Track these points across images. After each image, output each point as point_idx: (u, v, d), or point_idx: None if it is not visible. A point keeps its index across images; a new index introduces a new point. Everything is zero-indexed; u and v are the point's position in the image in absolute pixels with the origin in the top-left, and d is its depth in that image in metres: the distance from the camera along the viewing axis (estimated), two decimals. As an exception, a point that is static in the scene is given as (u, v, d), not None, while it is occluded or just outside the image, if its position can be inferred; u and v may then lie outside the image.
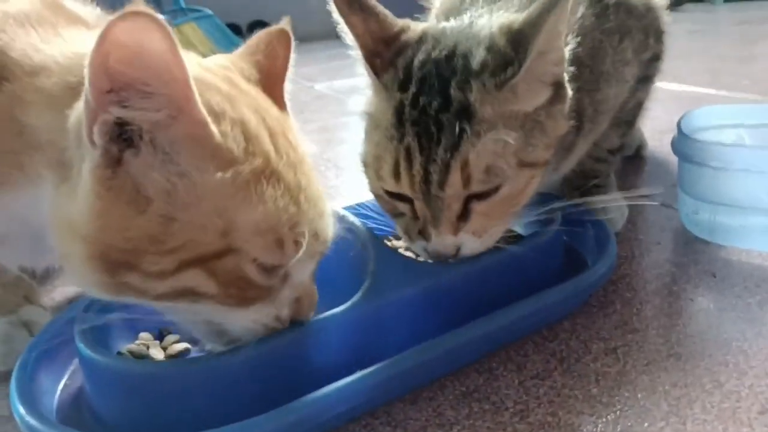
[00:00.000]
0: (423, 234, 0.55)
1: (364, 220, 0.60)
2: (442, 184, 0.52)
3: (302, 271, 0.47)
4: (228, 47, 2.77)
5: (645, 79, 0.76)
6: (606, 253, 0.62)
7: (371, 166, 0.57)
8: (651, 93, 0.87)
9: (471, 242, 0.55)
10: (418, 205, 0.55)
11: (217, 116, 0.42)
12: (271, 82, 0.51)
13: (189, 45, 2.50)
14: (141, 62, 0.37)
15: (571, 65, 0.65)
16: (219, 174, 0.41)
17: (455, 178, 0.52)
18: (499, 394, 0.52)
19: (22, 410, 0.46)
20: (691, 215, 0.73)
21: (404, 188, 0.54)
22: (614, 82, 0.70)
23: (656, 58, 0.77)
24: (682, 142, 0.73)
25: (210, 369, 0.47)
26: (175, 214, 0.41)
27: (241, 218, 0.42)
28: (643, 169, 0.97)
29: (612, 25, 0.69)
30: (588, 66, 0.67)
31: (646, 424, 0.47)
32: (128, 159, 0.40)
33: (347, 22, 0.57)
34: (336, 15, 0.58)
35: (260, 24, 1.95)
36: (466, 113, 0.52)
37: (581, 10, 0.67)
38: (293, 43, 0.53)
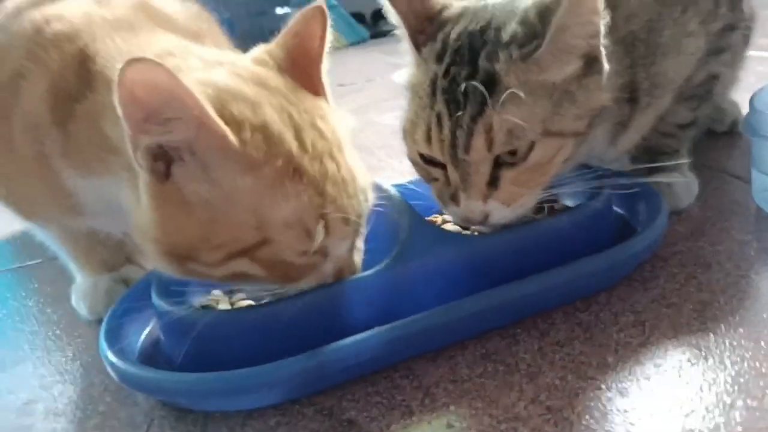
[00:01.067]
0: (454, 199, 0.59)
1: (410, 197, 0.65)
2: (467, 148, 0.56)
3: (339, 247, 0.53)
4: (353, 36, 2.89)
5: (717, 51, 0.73)
6: (650, 227, 0.62)
7: (408, 131, 0.61)
8: (736, 64, 0.83)
9: (500, 210, 0.58)
10: (449, 169, 0.58)
11: (239, 125, 0.48)
12: (306, 66, 0.56)
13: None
14: (154, 96, 0.44)
15: (622, 41, 0.65)
16: (244, 178, 0.48)
17: (479, 141, 0.55)
18: (515, 357, 0.54)
19: (106, 350, 0.57)
20: (763, 193, 0.70)
21: (435, 152, 0.58)
22: (674, 54, 0.69)
23: (730, 28, 0.73)
24: (753, 116, 0.70)
25: (251, 318, 0.55)
26: (215, 216, 0.48)
27: (270, 214, 0.48)
28: (736, 146, 0.92)
29: (674, -3, 0.68)
30: (643, 40, 0.67)
31: (649, 393, 0.48)
32: (173, 173, 0.48)
33: (392, 4, 0.62)
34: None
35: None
36: (492, 81, 0.55)
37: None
38: (330, 20, 0.57)
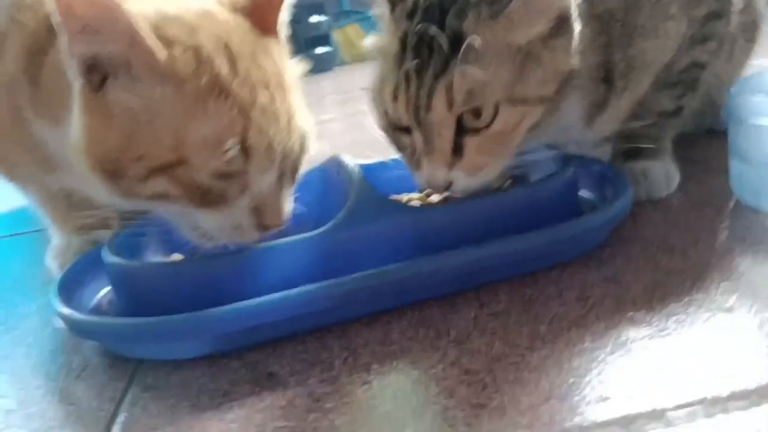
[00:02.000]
0: (418, 164, 0.58)
1: (378, 174, 0.65)
2: (428, 106, 0.55)
3: (260, 181, 0.53)
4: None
5: (702, 39, 0.71)
6: (603, 208, 0.60)
7: (377, 91, 0.61)
8: (729, 57, 0.80)
9: (463, 179, 0.58)
10: (414, 133, 0.58)
11: (170, 43, 0.50)
12: (264, 10, 0.57)
13: (352, 45, 2.68)
14: (88, 10, 0.47)
15: (599, 18, 0.64)
16: (166, 91, 0.49)
17: (440, 99, 0.55)
18: (448, 324, 0.53)
19: (56, 303, 0.58)
20: (738, 179, 0.67)
21: (400, 112, 0.58)
22: (652, 37, 0.67)
23: (715, 15, 0.71)
24: (729, 102, 0.67)
25: (185, 269, 0.56)
26: (137, 127, 0.49)
27: (189, 133, 0.49)
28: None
29: (650, -23, 0.66)
30: (620, 19, 0.65)
31: (573, 364, 0.46)
32: (106, 85, 0.50)
33: None
34: None
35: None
36: (457, 39, 0.55)
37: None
38: None
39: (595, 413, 0.40)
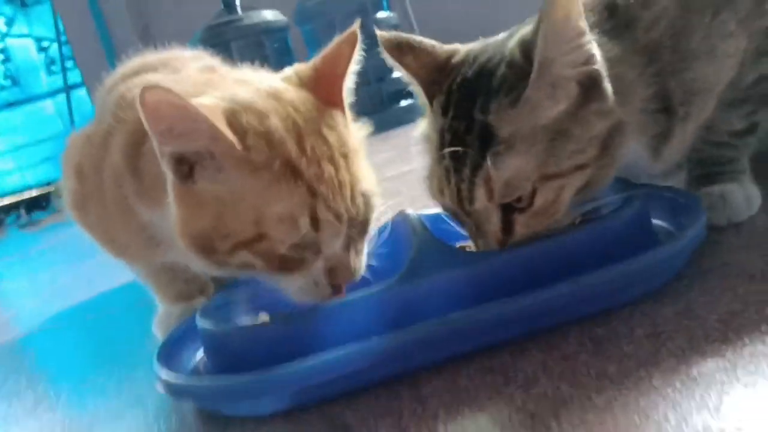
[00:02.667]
0: (477, 246, 0.61)
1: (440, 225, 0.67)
2: (471, 200, 0.58)
3: (331, 246, 0.58)
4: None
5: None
6: (674, 239, 0.59)
7: (427, 183, 0.64)
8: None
9: None
10: (464, 219, 0.61)
11: (245, 132, 0.56)
12: (329, 82, 0.63)
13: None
14: (167, 114, 0.53)
15: (642, 50, 0.64)
16: (247, 179, 0.56)
17: (480, 193, 0.58)
18: (516, 370, 0.53)
19: (157, 366, 0.64)
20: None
21: (447, 204, 0.61)
22: (707, 58, 0.66)
23: (779, 26, 0.68)
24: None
25: (267, 331, 0.60)
26: (223, 210, 0.56)
27: (266, 212, 0.55)
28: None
29: (701, 1, 0.66)
30: (668, 46, 0.65)
31: (640, 404, 0.45)
32: (195, 174, 0.57)
33: (401, 64, 0.66)
34: (390, 60, 0.67)
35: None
36: (486, 133, 0.57)
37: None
38: (359, 44, 0.64)
39: (659, 454, 0.39)
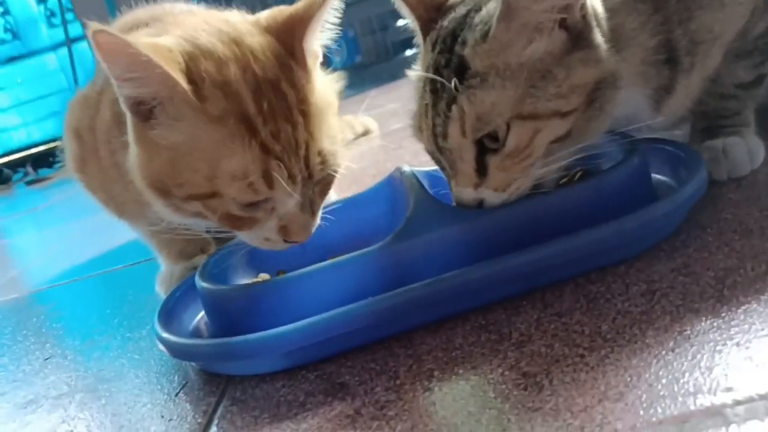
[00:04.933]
0: (449, 185, 0.60)
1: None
2: (444, 135, 0.57)
3: (284, 203, 0.58)
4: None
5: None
6: (671, 195, 0.58)
7: (412, 123, 0.63)
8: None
9: (493, 196, 0.58)
10: (439, 157, 0.60)
11: (202, 80, 0.55)
12: (296, 29, 0.60)
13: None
14: (119, 60, 0.52)
15: (647, 1, 0.62)
16: (200, 130, 0.55)
17: (454, 127, 0.56)
18: (510, 327, 0.54)
19: (157, 327, 0.64)
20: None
21: (424, 141, 0.60)
22: (717, 7, 0.64)
23: (793, -28, 0.66)
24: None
25: (263, 289, 0.60)
26: (177, 159, 0.56)
27: (222, 167, 0.55)
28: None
29: (714, -53, 0.63)
30: (673, -7, 0.62)
31: (632, 362, 0.45)
32: (154, 115, 0.56)
33: None
34: None
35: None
36: (462, 66, 0.56)
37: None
38: None
39: (648, 413, 0.40)
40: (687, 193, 0.58)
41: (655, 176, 0.67)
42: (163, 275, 0.83)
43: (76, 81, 3.14)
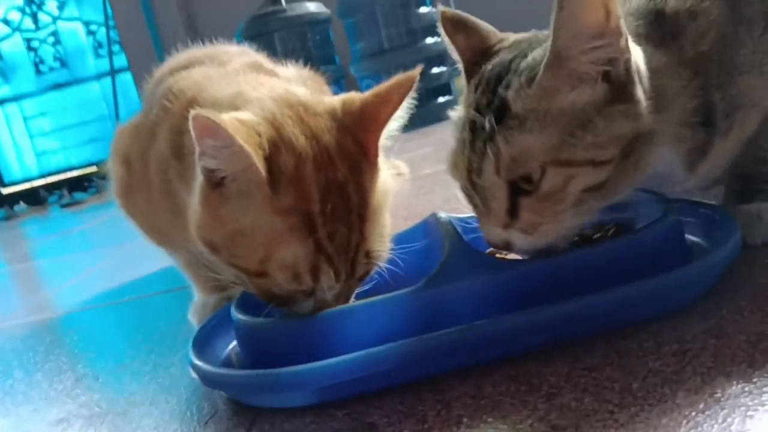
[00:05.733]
0: (481, 225, 0.61)
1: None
2: (478, 172, 0.59)
3: (324, 294, 0.61)
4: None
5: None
6: (704, 258, 0.58)
7: (448, 160, 0.65)
8: None
9: (521, 239, 0.60)
10: (471, 194, 0.61)
11: (280, 174, 0.58)
12: (370, 127, 0.63)
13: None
14: (213, 141, 0.56)
15: (690, 63, 0.64)
16: (266, 218, 0.58)
17: (488, 165, 0.58)
18: (540, 379, 0.54)
19: (191, 355, 0.66)
20: None
21: (459, 177, 0.62)
22: (755, 73, 0.65)
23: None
24: None
25: (296, 326, 0.62)
26: (236, 234, 0.59)
27: (276, 254, 0.58)
28: None
29: (752, 12, 0.65)
30: (715, 60, 0.64)
31: (661, 421, 0.45)
32: (224, 185, 0.59)
33: (452, 41, 0.68)
34: (443, 35, 0.68)
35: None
36: (503, 108, 0.58)
37: (703, 3, 0.65)
38: (414, 91, 0.63)
39: (678, 474, 0.40)
40: (722, 254, 0.59)
41: (688, 237, 0.68)
42: (197, 305, 0.85)
43: (116, 109, 3.25)
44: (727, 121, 0.66)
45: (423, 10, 2.74)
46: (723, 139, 0.67)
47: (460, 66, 0.68)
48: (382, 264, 0.64)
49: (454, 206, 0.72)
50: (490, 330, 0.56)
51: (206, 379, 0.62)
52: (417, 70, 0.63)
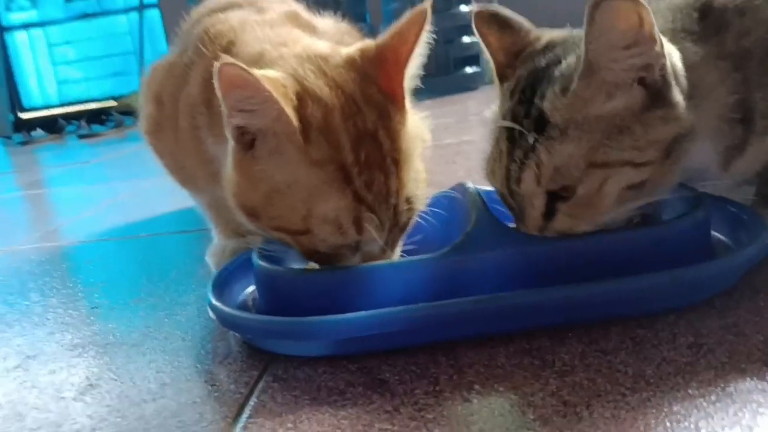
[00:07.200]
0: (518, 228, 0.62)
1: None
2: (518, 182, 0.59)
3: (369, 246, 0.61)
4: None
5: None
6: (731, 255, 0.59)
7: (485, 164, 0.65)
8: None
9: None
10: (509, 201, 0.62)
11: (309, 125, 0.58)
12: (392, 70, 0.62)
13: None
14: (241, 92, 0.55)
15: (730, 56, 0.63)
16: (301, 172, 0.57)
17: (528, 176, 0.58)
18: (554, 356, 0.55)
19: (210, 297, 0.67)
20: None
21: (496, 184, 0.62)
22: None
23: None
24: None
25: (317, 278, 0.62)
26: (274, 194, 0.59)
27: (316, 209, 0.58)
28: None
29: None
30: (758, 57, 0.64)
31: (673, 409, 0.46)
32: (256, 147, 0.59)
33: (484, 41, 0.67)
34: (477, 35, 0.67)
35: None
36: (542, 119, 0.58)
37: (755, 1, 0.64)
38: (428, 24, 0.61)
39: (685, 460, 0.41)
40: (748, 254, 0.59)
41: (714, 234, 0.68)
42: (216, 248, 0.86)
43: (141, 46, 3.23)
44: (765, 121, 0.65)
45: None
46: (761, 138, 0.66)
47: (492, 66, 0.67)
48: (423, 209, 0.64)
49: (475, 179, 0.72)
50: (507, 304, 0.57)
51: (224, 320, 0.63)
52: (427, 3, 0.61)
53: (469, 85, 2.42)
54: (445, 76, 2.43)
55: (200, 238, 0.97)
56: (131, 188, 1.61)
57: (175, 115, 0.79)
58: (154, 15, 3.37)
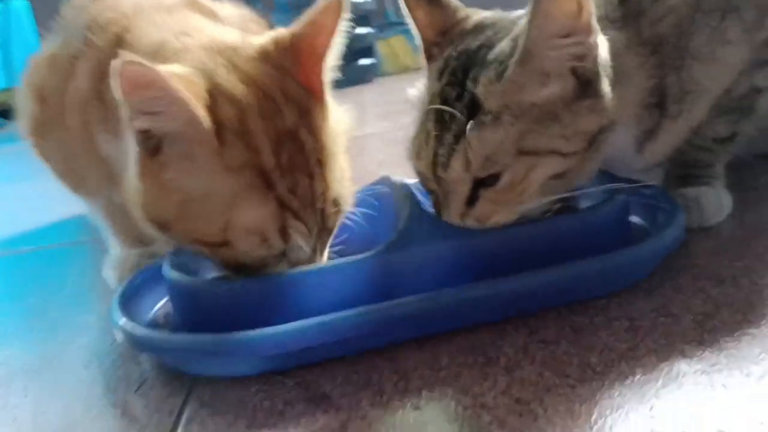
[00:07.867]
0: (438, 212, 0.60)
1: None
2: (445, 167, 0.57)
3: (296, 252, 0.56)
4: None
5: (763, 63, 0.70)
6: (653, 238, 0.60)
7: (409, 146, 0.62)
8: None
9: (474, 227, 0.59)
10: (433, 185, 0.60)
11: (223, 127, 0.52)
12: (309, 62, 0.58)
13: (396, 57, 2.70)
14: (146, 92, 0.49)
15: (648, 42, 0.64)
16: (217, 180, 0.52)
17: (457, 162, 0.56)
18: (498, 351, 0.54)
19: (117, 316, 0.60)
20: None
21: (421, 167, 0.60)
22: (707, 61, 0.66)
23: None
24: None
25: (237, 289, 0.57)
26: (187, 204, 0.53)
27: (236, 219, 0.52)
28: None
29: (710, 4, 0.66)
30: (672, 43, 0.65)
31: (624, 397, 0.46)
32: (163, 152, 0.53)
33: (412, 14, 0.64)
34: (404, 9, 0.65)
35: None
36: (474, 104, 0.56)
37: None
38: (346, 12, 0.58)
39: (647, 450, 0.41)
40: (670, 236, 0.60)
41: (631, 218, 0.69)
42: (116, 260, 0.78)
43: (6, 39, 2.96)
44: (677, 106, 0.67)
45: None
46: (672, 123, 0.68)
47: (418, 43, 0.65)
48: (349, 209, 0.60)
49: (388, 170, 0.70)
50: (446, 301, 0.55)
51: (137, 341, 0.57)
52: None
53: (363, 77, 2.40)
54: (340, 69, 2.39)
55: (93, 249, 0.88)
56: (7, 195, 1.45)
57: (62, 112, 0.70)
58: (21, 6, 3.08)
